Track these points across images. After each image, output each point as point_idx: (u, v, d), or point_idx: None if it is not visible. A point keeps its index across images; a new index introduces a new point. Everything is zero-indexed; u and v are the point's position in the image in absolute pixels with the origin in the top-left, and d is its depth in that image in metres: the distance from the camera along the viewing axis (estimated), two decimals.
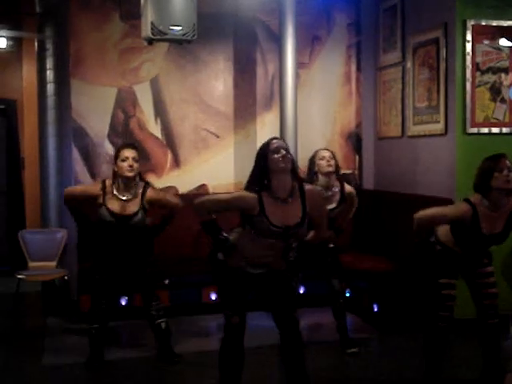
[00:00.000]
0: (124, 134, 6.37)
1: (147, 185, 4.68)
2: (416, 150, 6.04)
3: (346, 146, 6.96)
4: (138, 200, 4.60)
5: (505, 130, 5.48)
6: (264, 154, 3.50)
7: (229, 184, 6.57)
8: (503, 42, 5.43)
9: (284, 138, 5.45)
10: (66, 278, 5.75)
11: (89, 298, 4.82)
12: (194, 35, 5.45)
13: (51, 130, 6.06)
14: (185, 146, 6.56)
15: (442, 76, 5.55)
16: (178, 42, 5.61)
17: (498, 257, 4.85)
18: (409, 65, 6.08)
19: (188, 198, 4.99)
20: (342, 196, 4.88)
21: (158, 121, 6.50)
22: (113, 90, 6.36)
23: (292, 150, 5.06)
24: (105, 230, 4.63)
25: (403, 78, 6.22)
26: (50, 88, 6.04)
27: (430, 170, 5.82)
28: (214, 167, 6.60)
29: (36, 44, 6.16)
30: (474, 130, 5.41)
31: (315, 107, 6.85)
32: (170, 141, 6.53)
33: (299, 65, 6.50)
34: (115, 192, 4.59)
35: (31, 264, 5.87)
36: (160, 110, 6.50)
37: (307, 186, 3.60)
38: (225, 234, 3.58)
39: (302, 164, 5.77)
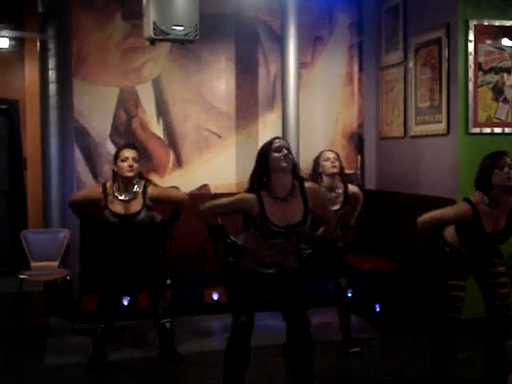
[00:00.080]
0: (126, 133, 6.38)
1: (147, 182, 4.69)
2: (418, 150, 6.04)
3: (348, 146, 6.95)
4: (139, 198, 4.62)
5: (507, 130, 5.47)
6: (266, 153, 3.51)
7: (231, 184, 6.57)
8: (506, 41, 5.43)
9: (286, 138, 5.46)
10: (68, 277, 5.76)
11: (91, 298, 4.84)
12: (196, 35, 5.44)
13: (53, 130, 6.07)
14: (187, 145, 6.56)
15: (445, 76, 5.55)
16: (180, 42, 5.61)
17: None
18: (411, 65, 6.08)
19: (190, 198, 4.99)
20: (345, 197, 4.88)
21: (160, 121, 6.50)
22: (115, 90, 6.36)
23: (294, 151, 5.06)
24: (110, 231, 4.66)
25: (405, 78, 6.22)
26: (52, 88, 6.04)
27: (432, 170, 5.81)
28: (216, 167, 6.61)
29: (38, 44, 6.16)
30: (477, 130, 5.41)
31: (317, 107, 6.85)
32: (172, 141, 6.53)
33: (301, 65, 6.50)
34: (116, 193, 4.61)
35: (33, 264, 5.87)
36: (162, 110, 6.50)
37: (307, 184, 3.60)
38: (232, 238, 3.61)
39: (304, 164, 5.78)
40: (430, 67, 5.77)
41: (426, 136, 5.88)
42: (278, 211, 3.48)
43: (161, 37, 5.36)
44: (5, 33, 6.56)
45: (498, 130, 5.45)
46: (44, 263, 5.85)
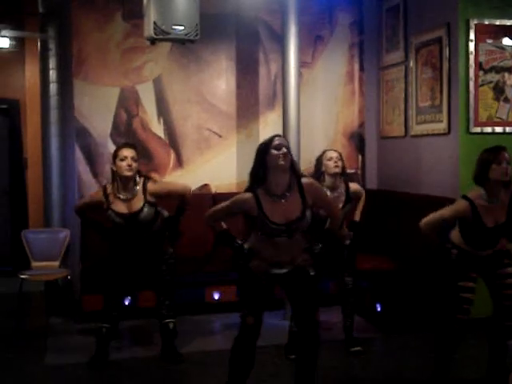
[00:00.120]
0: (127, 133, 6.38)
1: (146, 179, 4.68)
2: (419, 149, 6.04)
3: (348, 146, 6.95)
4: (140, 196, 4.61)
5: (508, 129, 5.47)
6: (265, 150, 3.50)
7: (231, 184, 6.57)
8: (506, 41, 5.43)
9: (286, 138, 5.45)
10: (68, 277, 5.75)
11: (91, 298, 4.83)
12: (196, 35, 5.44)
13: (54, 129, 6.06)
14: (187, 145, 6.56)
15: (445, 75, 5.55)
16: (180, 42, 5.61)
17: None
18: (411, 64, 6.08)
19: (191, 197, 4.98)
20: (347, 197, 4.88)
21: (161, 120, 6.50)
22: (115, 90, 6.36)
23: (295, 150, 5.08)
24: (116, 232, 4.67)
25: (406, 77, 6.21)
26: (53, 88, 6.04)
27: (432, 170, 5.81)
28: (217, 167, 6.60)
29: (39, 44, 6.16)
30: (478, 130, 5.40)
31: (318, 107, 6.85)
32: (172, 140, 6.52)
33: (302, 64, 6.48)
34: (117, 194, 4.61)
35: (34, 264, 5.86)
36: (163, 110, 6.50)
37: (304, 180, 3.59)
38: (239, 241, 3.62)
39: (304, 164, 5.79)
40: (431, 67, 5.77)
41: (427, 135, 5.87)
42: (276, 209, 3.47)
43: (161, 36, 5.35)
44: (5, 33, 6.54)
45: (498, 129, 5.45)
46: (45, 263, 5.85)
